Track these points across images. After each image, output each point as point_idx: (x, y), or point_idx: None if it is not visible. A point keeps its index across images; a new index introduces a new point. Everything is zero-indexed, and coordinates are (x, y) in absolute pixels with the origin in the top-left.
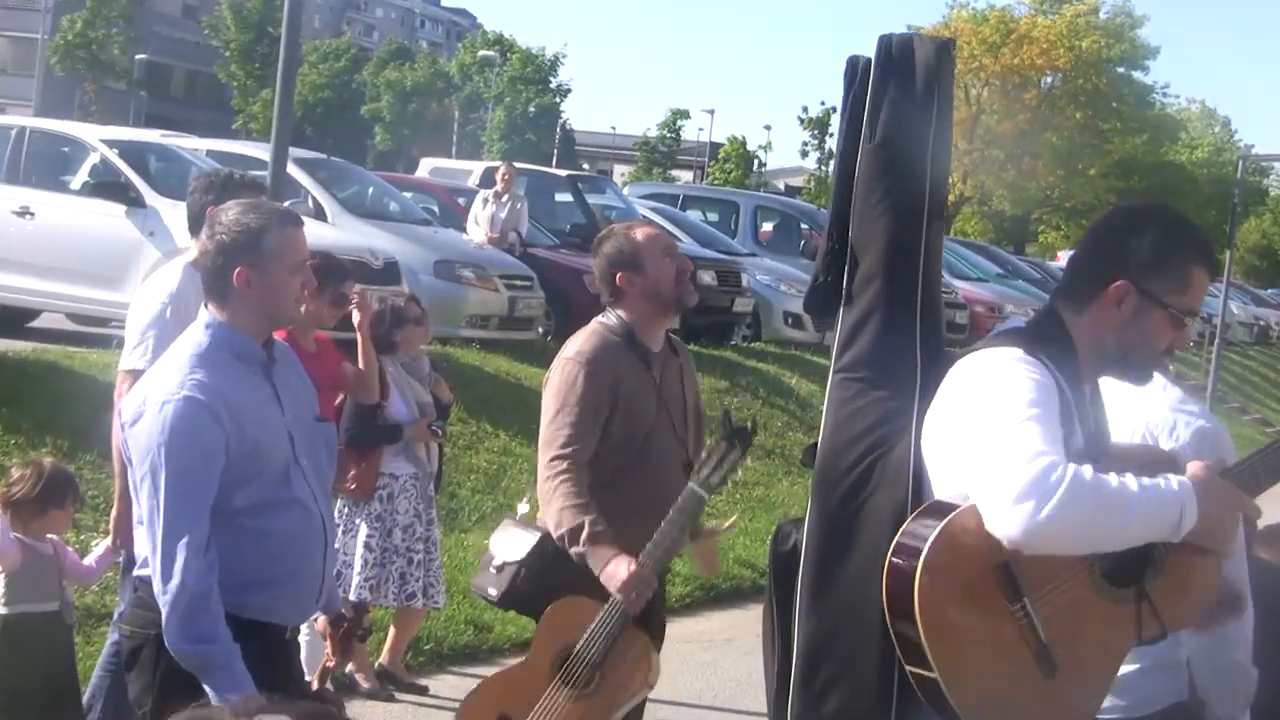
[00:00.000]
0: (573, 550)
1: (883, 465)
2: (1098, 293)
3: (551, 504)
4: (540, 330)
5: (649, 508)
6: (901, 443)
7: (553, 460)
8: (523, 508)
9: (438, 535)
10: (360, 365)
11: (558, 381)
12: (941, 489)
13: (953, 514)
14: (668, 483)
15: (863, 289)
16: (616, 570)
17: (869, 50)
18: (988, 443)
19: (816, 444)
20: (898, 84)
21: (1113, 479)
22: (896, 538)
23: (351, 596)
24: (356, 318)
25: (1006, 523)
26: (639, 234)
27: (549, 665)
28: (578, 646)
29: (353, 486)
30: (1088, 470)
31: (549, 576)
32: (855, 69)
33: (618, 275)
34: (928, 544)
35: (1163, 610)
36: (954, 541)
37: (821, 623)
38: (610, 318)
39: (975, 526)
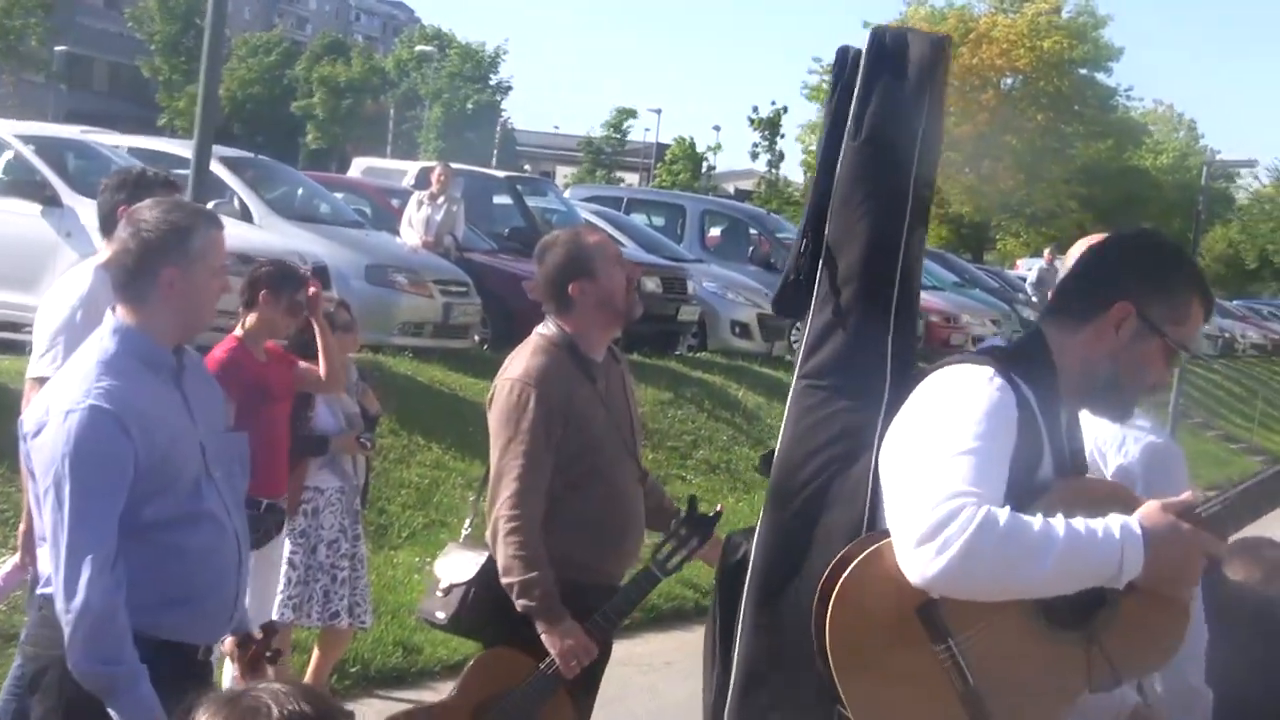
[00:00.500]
0: (519, 602)
1: (841, 481)
2: (1096, 314)
3: (504, 546)
4: (476, 338)
5: (602, 522)
6: (863, 459)
7: (509, 498)
8: (466, 529)
9: (364, 552)
10: (321, 360)
11: (506, 406)
12: (888, 513)
13: (878, 544)
14: (621, 495)
15: (836, 291)
16: (561, 636)
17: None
18: (914, 474)
19: (773, 453)
20: (889, 79)
21: (1035, 522)
22: (829, 567)
23: (274, 615)
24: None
25: (910, 564)
26: (591, 240)
27: (469, 713)
28: (503, 702)
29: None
30: (1004, 513)
31: (498, 598)
32: (845, 59)
33: (570, 284)
34: (844, 575)
35: (1116, 656)
36: (874, 574)
37: (764, 642)
38: (550, 328)
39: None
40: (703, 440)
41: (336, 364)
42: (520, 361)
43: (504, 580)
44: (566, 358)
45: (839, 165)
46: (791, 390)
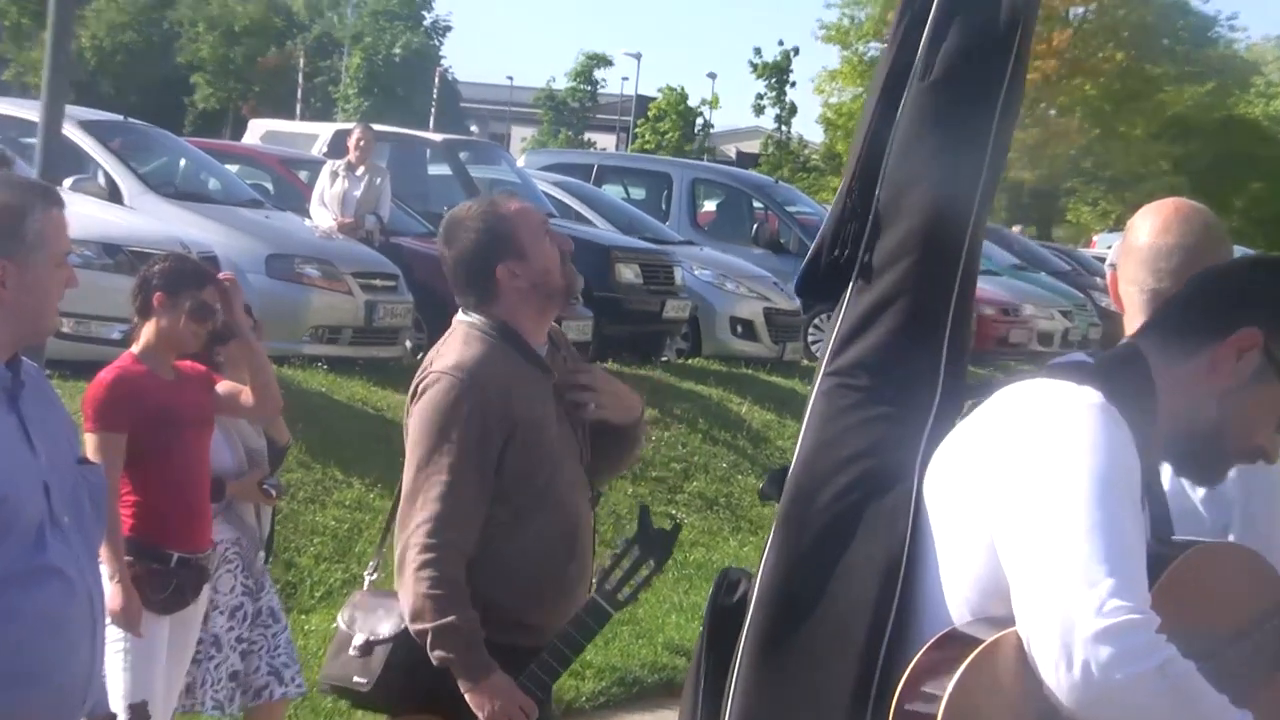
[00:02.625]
0: (435, 654)
1: (875, 505)
2: (1214, 340)
3: (414, 583)
4: (408, 345)
5: (551, 564)
6: (905, 480)
7: (426, 524)
8: (370, 575)
9: (277, 603)
10: (249, 378)
11: (431, 405)
12: (950, 564)
13: (989, 641)
14: (575, 529)
15: (885, 268)
16: (490, 695)
17: None
18: (1050, 544)
19: (785, 469)
20: (974, 10)
21: (1209, 691)
22: (904, 676)
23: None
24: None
25: (1064, 677)
26: (512, 210)
27: None
28: None
29: None
30: (1186, 665)
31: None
32: None
33: (496, 268)
34: (949, 689)
35: None
36: (987, 685)
37: (765, 702)
38: (474, 318)
39: (1016, 662)
40: (696, 469)
41: (268, 380)
42: (451, 352)
43: (413, 626)
44: (508, 348)
45: (899, 112)
46: (815, 389)
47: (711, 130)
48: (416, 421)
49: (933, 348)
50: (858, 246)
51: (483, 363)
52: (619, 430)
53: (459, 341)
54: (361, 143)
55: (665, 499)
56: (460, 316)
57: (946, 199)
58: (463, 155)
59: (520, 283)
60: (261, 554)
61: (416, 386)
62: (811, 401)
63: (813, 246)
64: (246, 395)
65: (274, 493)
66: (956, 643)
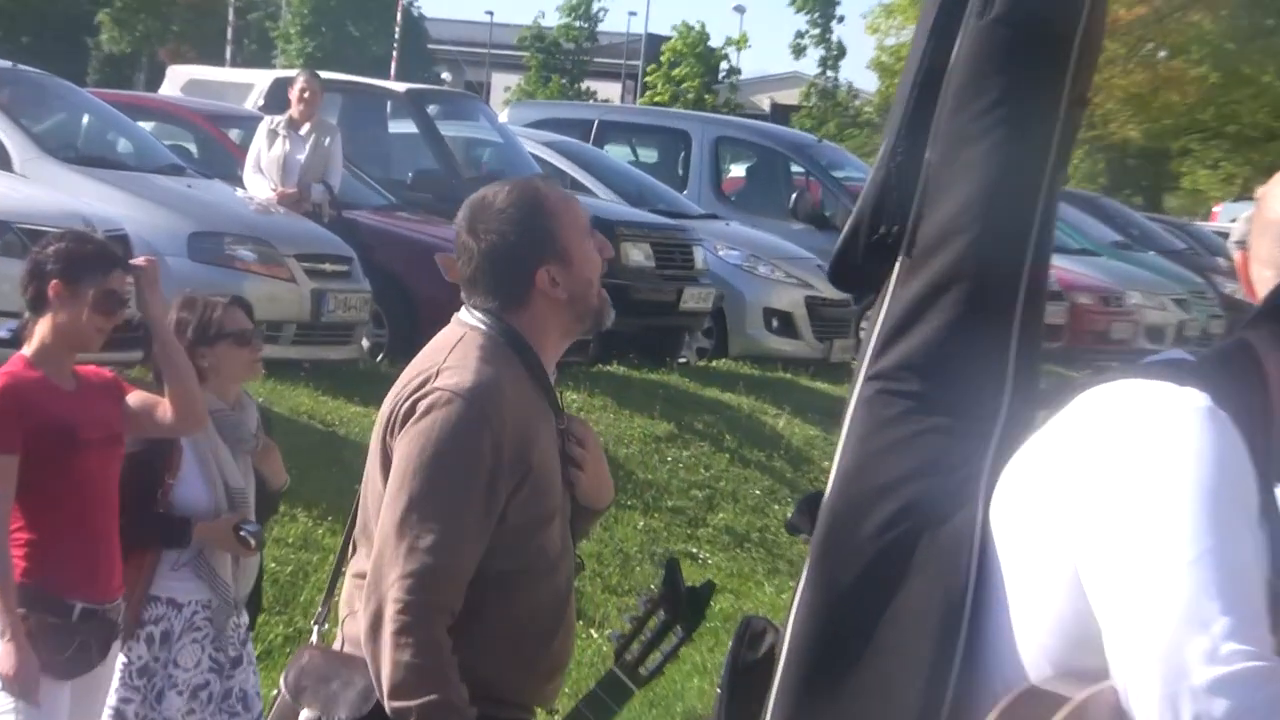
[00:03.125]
0: None
1: (930, 537)
2: None
3: (392, 652)
4: (365, 344)
5: (546, 625)
6: (966, 506)
7: (411, 578)
8: (318, 628)
9: (255, 684)
10: (167, 387)
11: (438, 433)
12: (1025, 606)
13: (1077, 700)
14: (567, 587)
15: (938, 245)
16: None
17: None
18: (1151, 577)
19: (818, 496)
20: None
21: None
22: None
23: None
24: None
25: None
26: (559, 200)
27: None
28: None
29: None
30: None
31: None
32: None
33: (538, 271)
34: None
35: None
36: None
37: None
38: (486, 320)
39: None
40: (722, 497)
41: (192, 391)
42: (459, 366)
43: (391, 704)
44: (525, 373)
45: (953, 57)
46: (854, 396)
47: (739, 77)
48: (414, 449)
49: (998, 343)
50: (904, 219)
51: (502, 386)
52: (579, 511)
53: (473, 354)
54: (306, 94)
55: (684, 535)
56: (467, 316)
57: (1013, 158)
58: (431, 109)
59: (559, 293)
60: (236, 619)
61: (414, 401)
62: (850, 412)
63: (849, 221)
64: (165, 409)
65: (253, 541)
66: (1037, 702)
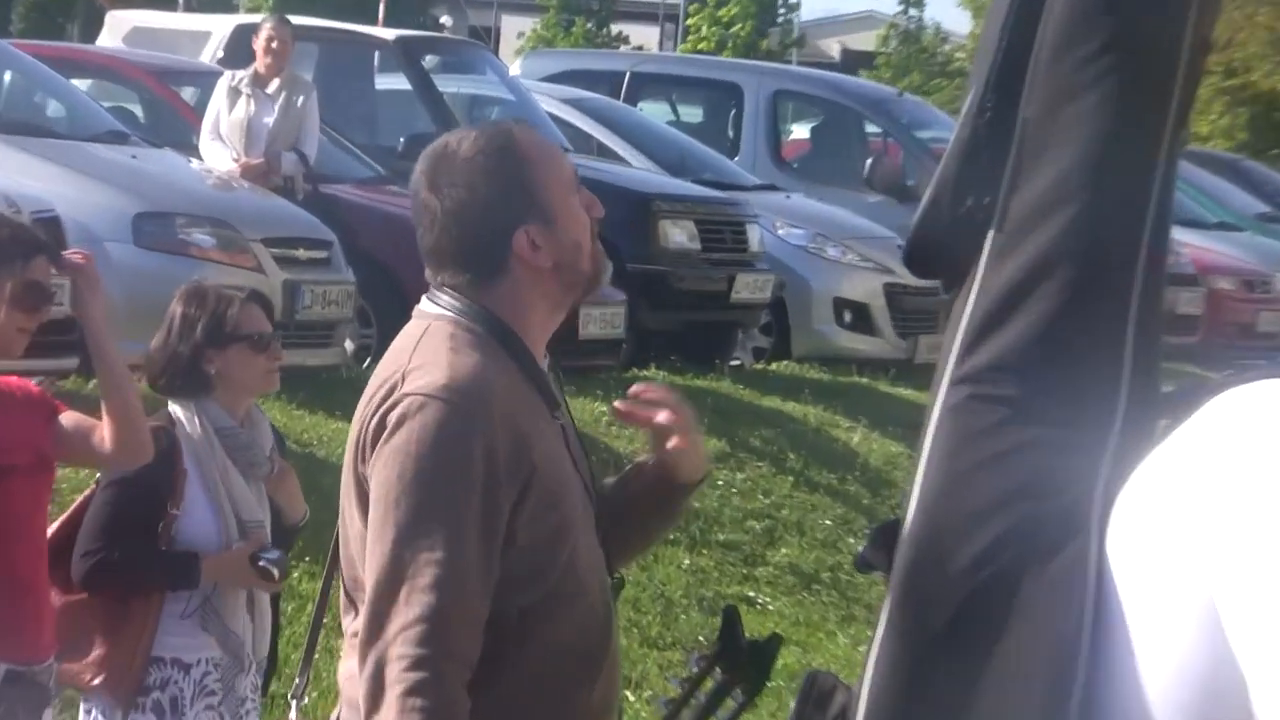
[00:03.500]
0: None
1: (1037, 577)
2: None
3: (398, 711)
4: (349, 347)
5: (576, 674)
6: (1077, 537)
7: (412, 628)
8: (296, 701)
9: None
10: (104, 409)
11: (415, 447)
12: (1154, 655)
13: None
14: (602, 622)
15: (1037, 219)
16: None
17: None
18: None
19: (900, 524)
20: None
21: None
22: None
23: None
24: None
25: None
26: (535, 148)
27: None
28: None
29: (94, 679)
30: None
31: None
32: None
33: (515, 233)
34: None
35: None
36: None
37: None
38: (454, 309)
39: None
40: (786, 529)
41: (131, 413)
42: (435, 362)
43: None
44: (509, 361)
45: None
46: (938, 404)
47: (801, 18)
48: (391, 473)
49: (1111, 337)
50: (995, 189)
51: (485, 379)
52: (666, 492)
53: (443, 346)
54: (274, 44)
55: (739, 575)
56: (429, 306)
57: (1126, 112)
58: (428, 61)
59: (541, 259)
60: (249, 679)
61: (383, 415)
62: (933, 424)
63: (928, 192)
64: (101, 434)
65: (276, 571)
66: None
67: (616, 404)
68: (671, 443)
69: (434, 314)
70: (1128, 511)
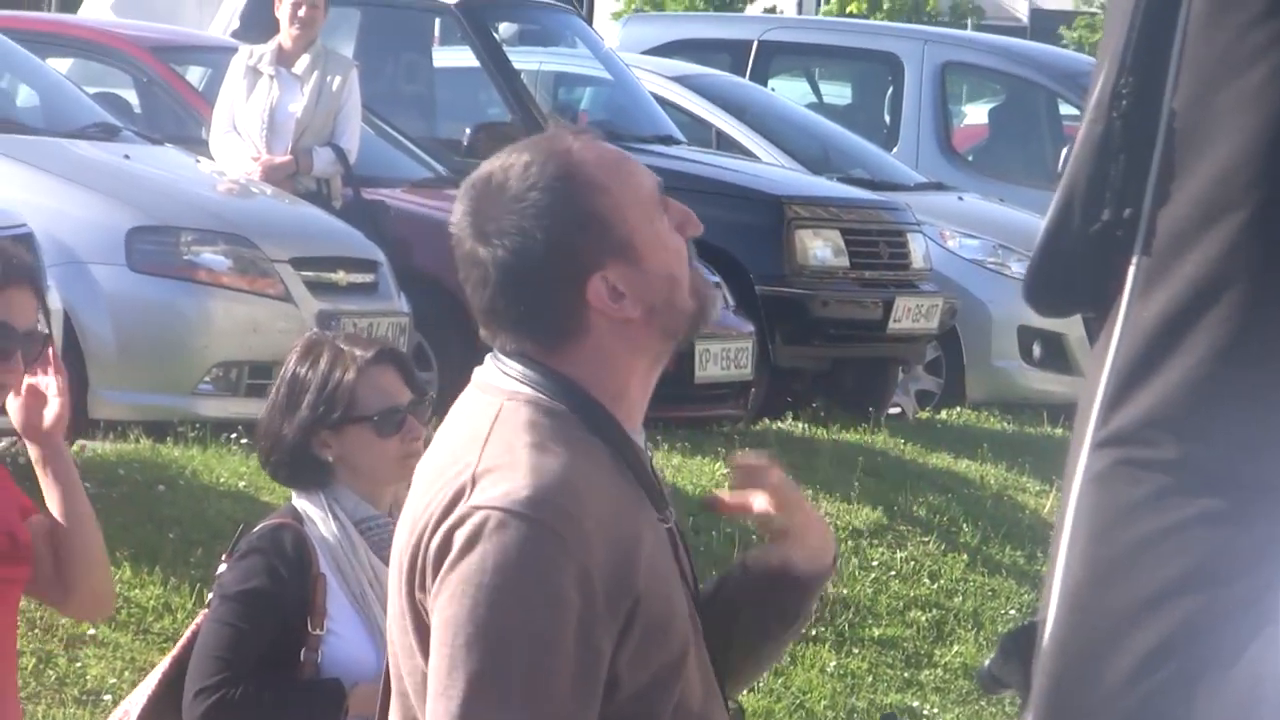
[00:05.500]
0: None
1: (1214, 683)
2: None
3: None
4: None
5: None
6: (1265, 631)
7: None
8: None
9: None
10: (61, 546)
11: (478, 585)
12: None
13: None
14: None
15: (1192, 236)
16: None
17: None
18: None
19: (1033, 627)
20: None
21: None
22: None
23: None
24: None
25: None
26: (603, 161)
27: None
28: None
29: None
30: None
31: None
32: None
33: (590, 281)
34: None
35: None
36: None
37: None
38: (526, 381)
39: None
40: (959, 621)
41: (92, 557)
42: (507, 465)
43: None
44: (604, 450)
45: None
46: (1079, 475)
47: None
48: (462, 610)
49: None
50: (1139, 199)
51: (579, 485)
52: (784, 590)
53: (521, 439)
54: (303, 10)
55: (899, 680)
56: (497, 377)
57: None
58: (501, 31)
59: (628, 308)
60: None
61: (448, 532)
62: (1073, 500)
63: (1054, 204)
64: (54, 532)
65: None
66: None
67: (713, 494)
68: (778, 531)
69: (506, 390)
70: None
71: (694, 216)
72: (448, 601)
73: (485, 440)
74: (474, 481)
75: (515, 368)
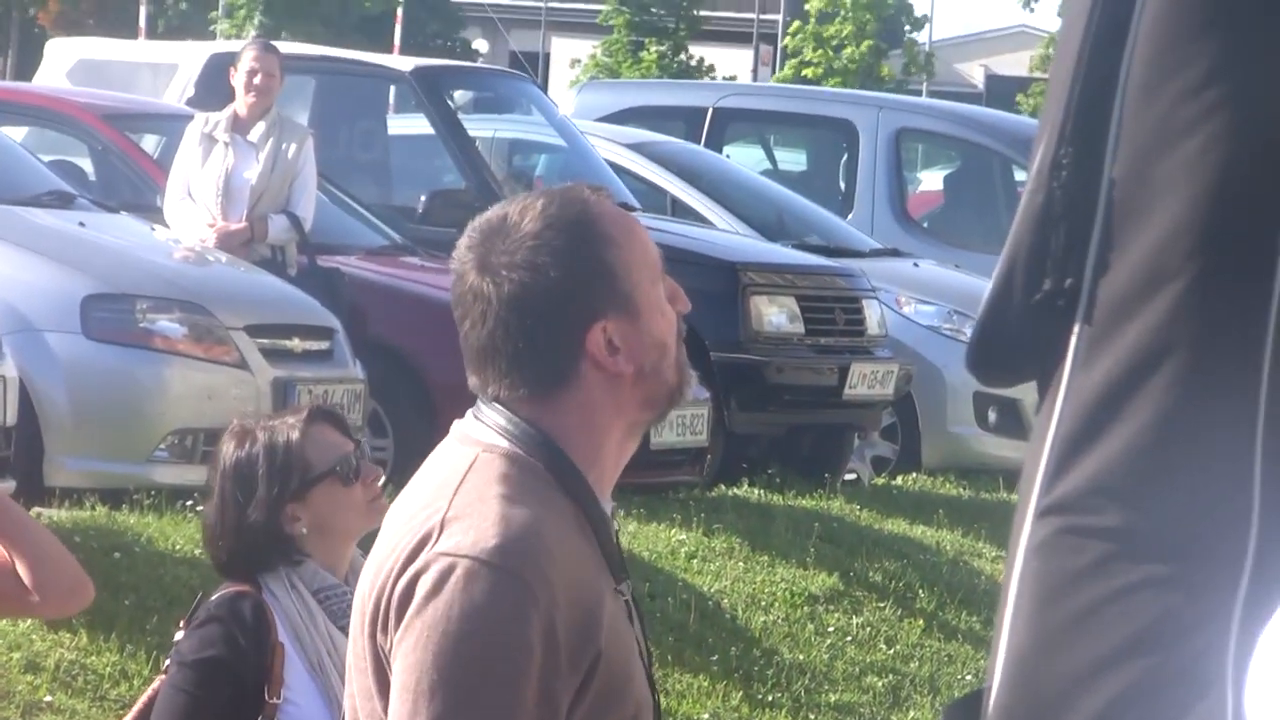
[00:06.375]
0: None
1: None
2: None
3: None
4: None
5: None
6: (1205, 700)
7: None
8: None
9: None
10: (10, 552)
11: (443, 632)
12: None
13: None
14: None
15: (1133, 304)
16: None
17: None
18: None
19: (978, 695)
20: None
21: None
22: None
23: None
24: None
25: None
26: (617, 219)
27: None
28: None
29: None
30: None
31: None
32: None
33: (590, 330)
34: None
35: None
36: None
37: None
38: (506, 429)
39: None
40: (916, 687)
41: (44, 548)
42: (477, 514)
43: None
44: (573, 511)
45: (1136, 12)
46: (1022, 544)
47: (932, 38)
48: (425, 656)
49: (1237, 445)
50: (1079, 268)
51: (547, 537)
52: None
53: (493, 489)
54: (259, 78)
55: None
56: (476, 429)
57: (1242, 155)
58: (456, 98)
59: (620, 363)
60: None
61: (413, 577)
62: (1017, 568)
63: (996, 273)
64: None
65: None
66: None
67: None
68: None
69: (484, 442)
70: (1272, 662)
71: (683, 295)
72: (412, 647)
73: (456, 489)
74: (442, 527)
75: (495, 420)
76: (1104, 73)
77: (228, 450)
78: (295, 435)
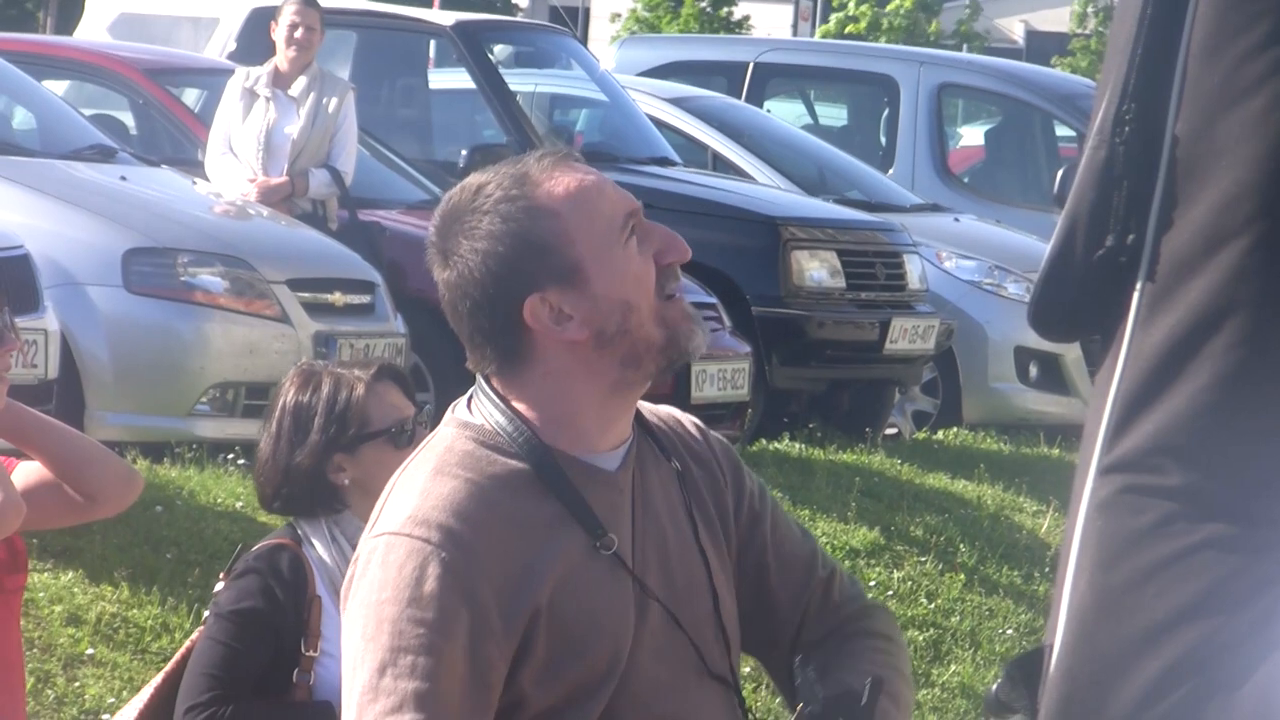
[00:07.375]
0: None
1: (1221, 709)
2: None
3: None
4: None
5: None
6: (1271, 658)
7: None
8: None
9: None
10: (47, 465)
11: (367, 602)
12: None
13: None
14: None
15: (1196, 262)
16: None
17: None
18: None
19: (1035, 656)
20: None
21: None
22: None
23: None
24: None
25: None
26: (562, 185)
27: None
28: None
29: None
30: None
31: None
32: None
33: (526, 301)
34: None
35: None
36: None
37: None
38: (487, 409)
39: None
40: (956, 641)
41: (82, 449)
42: (405, 489)
43: None
44: (526, 476)
45: None
46: (1084, 502)
47: None
48: (354, 627)
49: None
50: (1142, 225)
51: (468, 506)
52: None
53: (427, 465)
54: (300, 32)
55: None
56: (454, 414)
57: None
58: (496, 52)
59: (573, 330)
60: None
61: (352, 563)
62: (1079, 527)
63: (1057, 231)
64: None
65: None
66: None
67: None
68: None
69: (458, 419)
70: None
71: (679, 243)
72: (348, 623)
73: (406, 468)
74: (381, 509)
75: (477, 395)
76: (1167, 29)
77: (290, 391)
78: (360, 390)
